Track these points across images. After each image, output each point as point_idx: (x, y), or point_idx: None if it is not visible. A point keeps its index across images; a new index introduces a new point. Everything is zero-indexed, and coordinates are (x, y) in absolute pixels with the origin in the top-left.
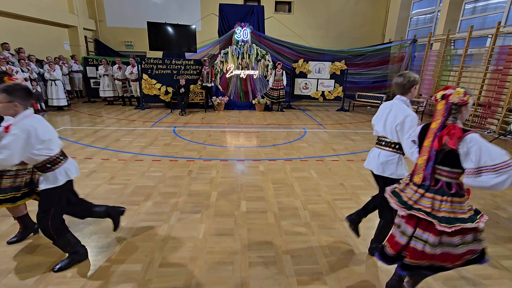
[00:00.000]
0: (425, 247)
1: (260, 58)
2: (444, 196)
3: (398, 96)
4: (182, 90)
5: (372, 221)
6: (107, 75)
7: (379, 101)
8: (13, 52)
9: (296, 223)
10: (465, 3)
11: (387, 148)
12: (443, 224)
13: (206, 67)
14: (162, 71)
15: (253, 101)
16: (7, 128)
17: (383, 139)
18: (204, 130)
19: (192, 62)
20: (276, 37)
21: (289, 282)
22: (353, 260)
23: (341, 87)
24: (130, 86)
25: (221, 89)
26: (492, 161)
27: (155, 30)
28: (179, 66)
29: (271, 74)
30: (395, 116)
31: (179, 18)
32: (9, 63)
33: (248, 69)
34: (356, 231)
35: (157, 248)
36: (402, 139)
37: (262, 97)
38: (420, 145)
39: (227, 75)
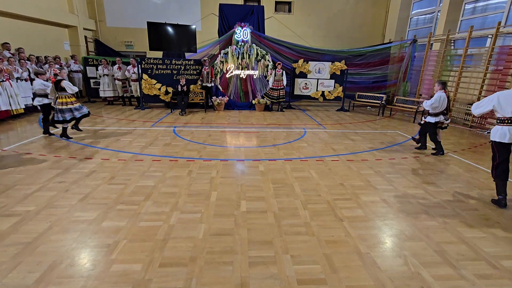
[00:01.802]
0: None
1: (260, 58)
2: None
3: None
4: (185, 88)
5: (372, 221)
6: (107, 75)
7: (379, 101)
8: (13, 52)
9: (296, 223)
10: (465, 3)
11: None
12: None
13: (206, 67)
14: (162, 71)
15: (253, 101)
16: None
17: None
18: (204, 130)
19: (192, 62)
20: (276, 37)
21: (289, 282)
22: (353, 260)
23: (341, 87)
24: (130, 86)
25: (221, 89)
26: None
27: (155, 30)
28: (179, 66)
29: (271, 74)
30: None
31: (179, 18)
32: (10, 61)
33: (248, 69)
34: None
35: (157, 248)
36: None
37: (262, 97)
38: None
39: (227, 75)
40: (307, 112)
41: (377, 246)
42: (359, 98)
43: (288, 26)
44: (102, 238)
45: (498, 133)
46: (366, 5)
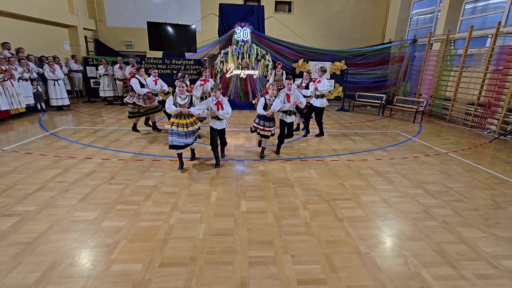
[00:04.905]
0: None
1: (260, 58)
2: None
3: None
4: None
5: (372, 221)
6: (107, 75)
7: (379, 101)
8: (13, 51)
9: (296, 223)
10: (465, 3)
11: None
12: None
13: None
14: (162, 71)
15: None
16: None
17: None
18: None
19: (192, 62)
20: (276, 37)
21: (289, 282)
22: (353, 260)
23: (341, 87)
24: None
25: None
26: None
27: (155, 30)
28: (179, 66)
29: (271, 74)
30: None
31: (179, 18)
32: (10, 61)
33: (248, 69)
34: None
35: (157, 248)
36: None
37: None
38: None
39: (227, 75)
40: None
41: (377, 246)
42: (359, 98)
43: (288, 26)
44: (102, 238)
45: (321, 102)
46: (366, 5)
